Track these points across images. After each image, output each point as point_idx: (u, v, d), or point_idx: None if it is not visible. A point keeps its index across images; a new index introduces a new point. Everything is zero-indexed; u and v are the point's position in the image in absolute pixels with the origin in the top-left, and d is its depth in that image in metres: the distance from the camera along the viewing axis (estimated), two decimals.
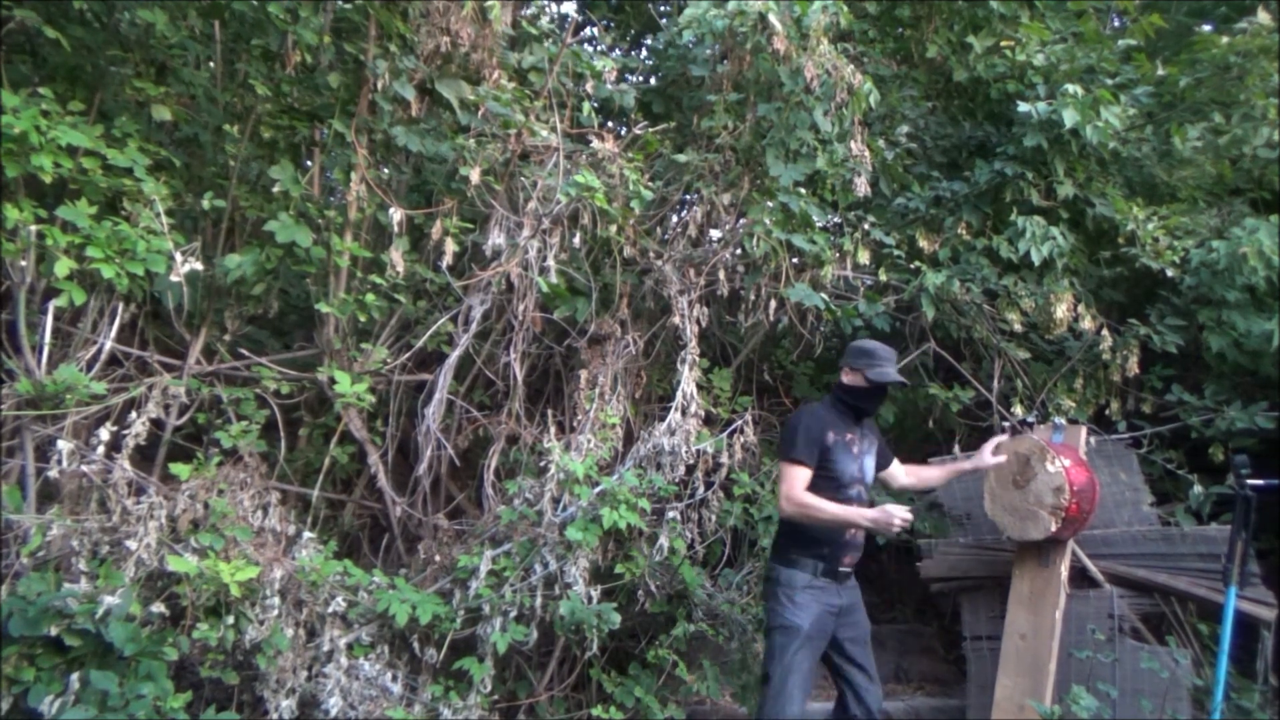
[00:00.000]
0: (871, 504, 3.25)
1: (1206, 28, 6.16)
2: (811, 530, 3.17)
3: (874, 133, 5.07)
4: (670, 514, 3.82)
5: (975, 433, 4.86)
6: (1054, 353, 4.85)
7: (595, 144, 4.26)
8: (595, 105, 4.81)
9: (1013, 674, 3.84)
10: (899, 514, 2.96)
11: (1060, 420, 4.19)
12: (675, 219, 4.89)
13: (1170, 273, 4.56)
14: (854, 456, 3.23)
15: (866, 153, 4.42)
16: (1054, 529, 3.68)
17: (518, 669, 3.83)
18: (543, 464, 3.82)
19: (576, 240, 4.06)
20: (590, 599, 3.52)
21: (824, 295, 4.29)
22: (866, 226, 4.70)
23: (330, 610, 3.37)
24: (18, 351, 3.34)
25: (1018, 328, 4.64)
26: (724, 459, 4.08)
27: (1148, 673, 3.62)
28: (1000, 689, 3.85)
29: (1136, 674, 3.67)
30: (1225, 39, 5.09)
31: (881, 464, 3.43)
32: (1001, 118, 5.24)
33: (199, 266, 3.38)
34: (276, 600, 3.23)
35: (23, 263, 3.21)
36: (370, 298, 3.96)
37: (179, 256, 3.30)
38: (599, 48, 6.20)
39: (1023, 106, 4.67)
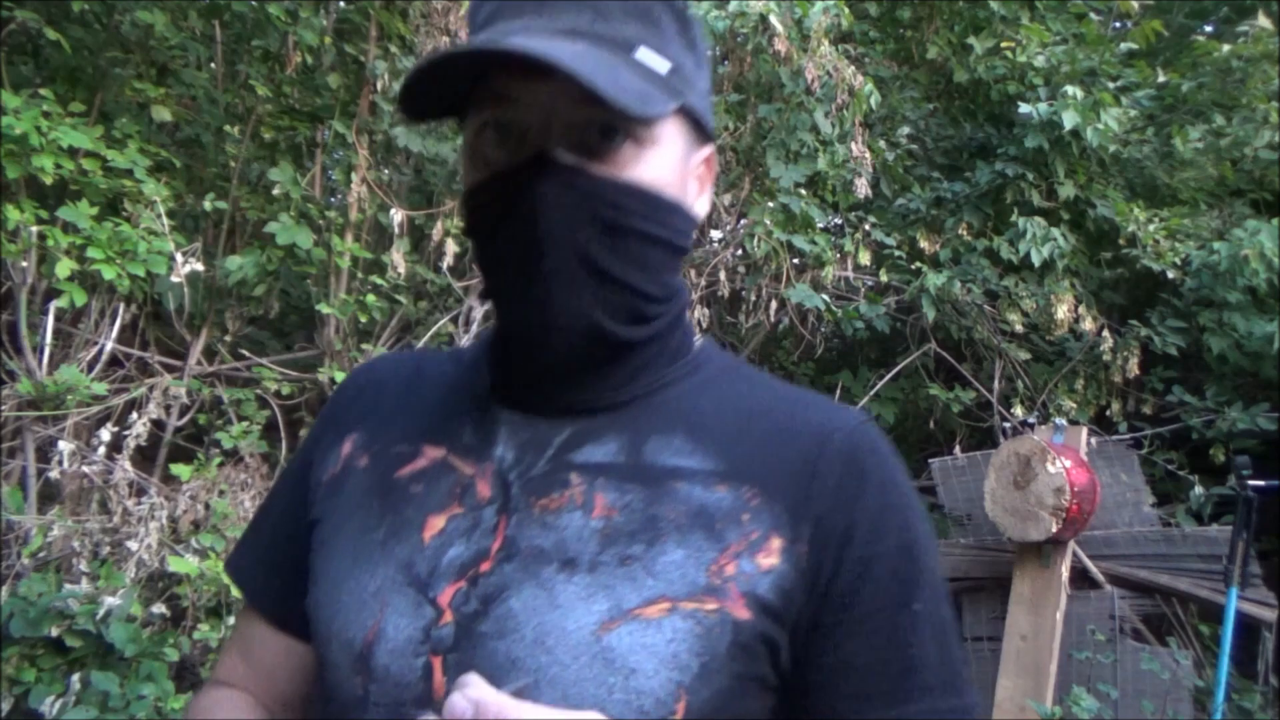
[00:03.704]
0: None
1: (1207, 29, 6.17)
2: None
3: (875, 134, 5.06)
4: None
5: (976, 434, 4.86)
6: (1055, 354, 4.85)
7: None
8: None
9: (1013, 675, 3.84)
10: None
11: (1061, 421, 4.19)
12: None
13: (1171, 274, 4.56)
14: (423, 553, 0.70)
15: (867, 154, 4.41)
16: (1055, 530, 3.67)
17: None
18: None
19: None
20: None
21: (825, 296, 4.29)
22: (867, 227, 4.69)
23: None
24: (19, 352, 3.34)
25: (1019, 329, 4.63)
26: None
27: (1149, 674, 3.62)
28: (1001, 690, 3.85)
29: (1137, 675, 3.66)
30: (1226, 46, 5.10)
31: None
32: (1002, 119, 5.23)
33: (200, 267, 3.38)
34: None
35: (24, 264, 3.21)
36: (371, 299, 3.95)
37: (180, 257, 3.30)
38: None
39: (1024, 108, 4.67)
